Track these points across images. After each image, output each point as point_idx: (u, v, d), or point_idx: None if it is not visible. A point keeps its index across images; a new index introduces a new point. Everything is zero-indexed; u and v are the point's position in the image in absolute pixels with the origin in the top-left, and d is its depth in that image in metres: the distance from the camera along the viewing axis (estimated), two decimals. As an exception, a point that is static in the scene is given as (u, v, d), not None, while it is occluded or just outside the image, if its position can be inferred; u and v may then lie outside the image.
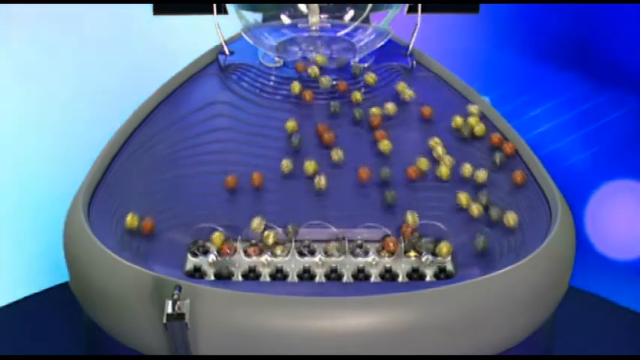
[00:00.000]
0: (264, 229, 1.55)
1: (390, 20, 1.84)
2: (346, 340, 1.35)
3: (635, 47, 2.30)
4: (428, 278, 1.49)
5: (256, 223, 1.55)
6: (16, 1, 2.21)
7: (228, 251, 1.53)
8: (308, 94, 1.72)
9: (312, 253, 1.55)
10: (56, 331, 1.71)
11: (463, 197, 1.59)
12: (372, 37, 1.83)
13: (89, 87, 2.28)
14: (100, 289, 1.43)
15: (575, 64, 2.34)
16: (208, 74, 1.82)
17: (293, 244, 1.56)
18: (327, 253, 1.54)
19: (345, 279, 1.50)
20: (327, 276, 1.51)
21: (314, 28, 1.83)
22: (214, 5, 1.83)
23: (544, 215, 1.54)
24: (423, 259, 1.52)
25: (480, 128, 1.70)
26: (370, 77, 1.76)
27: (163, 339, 1.35)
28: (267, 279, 1.50)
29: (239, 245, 1.56)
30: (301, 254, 1.54)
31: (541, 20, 2.33)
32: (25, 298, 1.83)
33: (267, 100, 1.76)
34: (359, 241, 1.56)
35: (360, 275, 1.51)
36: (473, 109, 1.73)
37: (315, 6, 1.82)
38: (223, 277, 1.51)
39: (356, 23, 1.83)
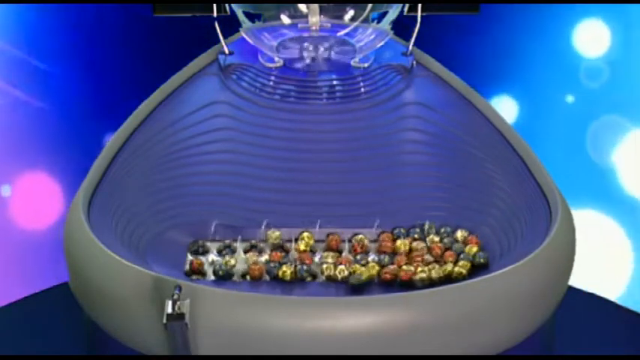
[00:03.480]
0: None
1: (390, 20, 1.84)
2: (346, 340, 1.35)
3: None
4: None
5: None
6: (19, 1, 2.21)
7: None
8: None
9: (313, 253, 1.56)
10: (56, 331, 1.71)
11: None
12: (372, 37, 1.83)
13: (89, 86, 2.28)
14: (100, 289, 1.43)
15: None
16: (208, 74, 1.82)
17: (293, 244, 1.56)
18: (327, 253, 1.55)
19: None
20: (328, 276, 1.51)
21: (314, 28, 1.83)
22: (214, 5, 1.83)
23: (544, 215, 1.54)
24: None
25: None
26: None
27: (163, 339, 1.35)
28: (267, 279, 1.51)
29: (239, 245, 1.56)
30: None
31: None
32: (25, 298, 1.83)
33: (267, 100, 1.76)
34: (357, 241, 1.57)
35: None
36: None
37: (315, 6, 1.82)
38: (223, 277, 1.51)
39: (356, 23, 1.83)
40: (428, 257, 1.54)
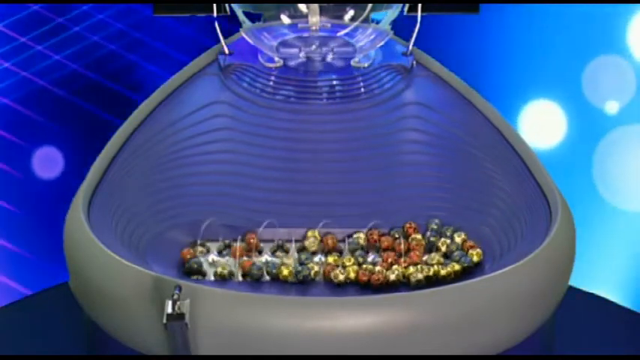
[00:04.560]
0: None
1: (390, 20, 1.84)
2: (346, 340, 1.35)
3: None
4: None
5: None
6: (22, 1, 2.21)
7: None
8: None
9: (313, 253, 1.56)
10: (56, 331, 1.71)
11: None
12: (372, 37, 1.83)
13: (89, 86, 2.28)
14: (100, 289, 1.43)
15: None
16: (208, 74, 1.82)
17: (293, 245, 1.56)
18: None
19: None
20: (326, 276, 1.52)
21: (314, 28, 1.83)
22: (214, 5, 1.83)
23: (544, 215, 1.54)
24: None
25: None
26: None
27: (163, 339, 1.35)
28: (267, 279, 1.51)
29: (238, 245, 1.56)
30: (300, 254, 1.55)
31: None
32: (25, 298, 1.83)
33: (267, 100, 1.76)
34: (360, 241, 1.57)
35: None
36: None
37: (315, 6, 1.82)
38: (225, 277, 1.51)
39: (356, 23, 1.83)
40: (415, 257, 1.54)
